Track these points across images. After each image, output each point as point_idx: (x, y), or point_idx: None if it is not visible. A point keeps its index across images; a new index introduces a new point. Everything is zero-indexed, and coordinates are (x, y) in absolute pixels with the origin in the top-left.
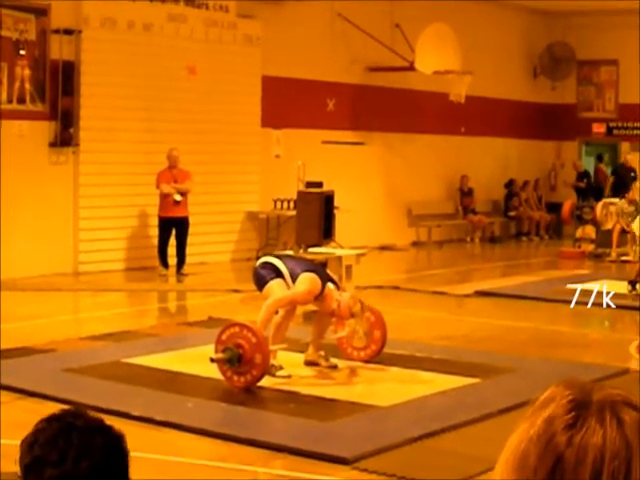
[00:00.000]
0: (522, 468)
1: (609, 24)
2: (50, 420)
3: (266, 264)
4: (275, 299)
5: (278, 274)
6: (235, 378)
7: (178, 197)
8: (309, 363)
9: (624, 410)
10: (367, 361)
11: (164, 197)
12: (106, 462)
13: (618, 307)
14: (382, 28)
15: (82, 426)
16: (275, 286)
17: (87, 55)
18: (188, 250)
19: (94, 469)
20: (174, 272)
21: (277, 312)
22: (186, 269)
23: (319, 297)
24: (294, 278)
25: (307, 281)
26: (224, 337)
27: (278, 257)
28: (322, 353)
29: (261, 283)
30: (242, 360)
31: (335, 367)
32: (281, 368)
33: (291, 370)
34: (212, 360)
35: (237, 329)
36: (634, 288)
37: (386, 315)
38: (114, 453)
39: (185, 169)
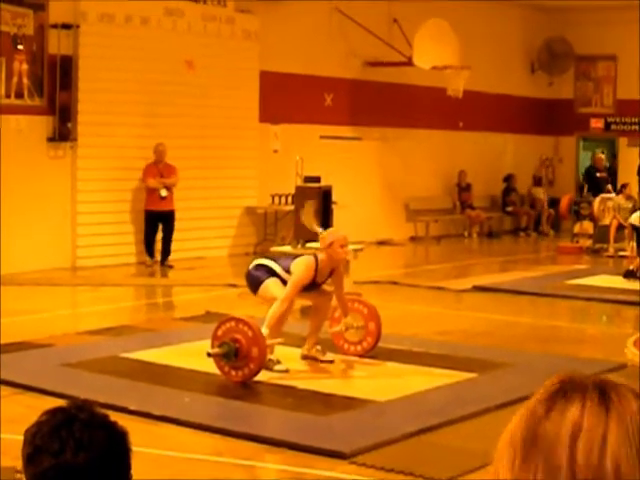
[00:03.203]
0: (510, 442)
1: (607, 19)
2: (55, 412)
3: (259, 266)
4: (281, 299)
5: (272, 274)
6: (232, 372)
7: (164, 193)
8: (306, 357)
9: (613, 388)
10: (363, 355)
11: (150, 191)
12: (106, 456)
13: (616, 302)
14: (380, 23)
15: (85, 419)
16: (271, 285)
17: (85, 50)
18: (186, 245)
19: (93, 462)
20: (165, 265)
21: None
22: (185, 263)
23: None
24: (288, 271)
25: (300, 262)
26: (220, 332)
27: (270, 258)
28: (319, 348)
29: (255, 284)
30: (239, 354)
31: (332, 362)
32: (279, 362)
33: (288, 365)
34: (209, 355)
35: (233, 323)
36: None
37: (384, 310)
38: (115, 449)
39: (171, 164)
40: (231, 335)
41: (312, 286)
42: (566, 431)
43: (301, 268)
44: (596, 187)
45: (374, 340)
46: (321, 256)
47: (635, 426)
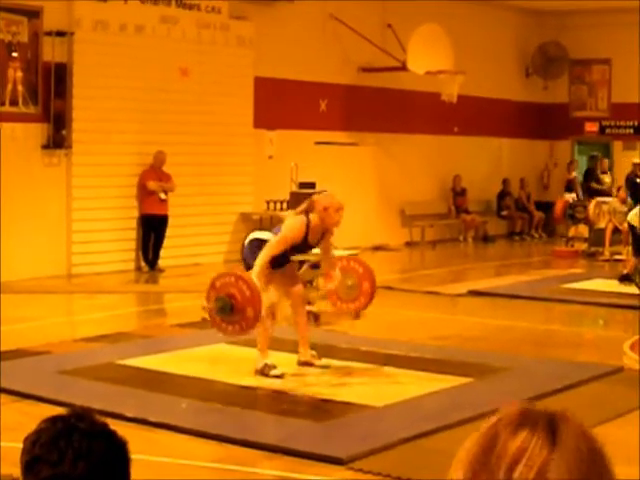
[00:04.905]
0: (462, 463)
1: (601, 23)
2: (55, 420)
3: (254, 242)
4: (269, 245)
5: None
6: (223, 325)
7: (163, 195)
8: (302, 363)
9: (565, 423)
10: (356, 313)
11: (149, 195)
12: (105, 467)
13: (611, 306)
14: (374, 28)
15: (85, 429)
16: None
17: (79, 57)
18: (181, 251)
19: (91, 472)
20: (155, 270)
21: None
22: (181, 270)
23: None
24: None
25: (291, 220)
26: (218, 284)
27: (267, 230)
28: (314, 353)
29: (248, 264)
30: (234, 309)
31: (328, 367)
32: (274, 367)
33: (284, 370)
34: (203, 308)
35: (232, 279)
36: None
37: (380, 315)
38: (114, 459)
39: (166, 171)
40: (228, 290)
41: (304, 247)
42: (507, 459)
43: (291, 223)
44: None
45: (367, 300)
46: (313, 217)
47: (579, 463)
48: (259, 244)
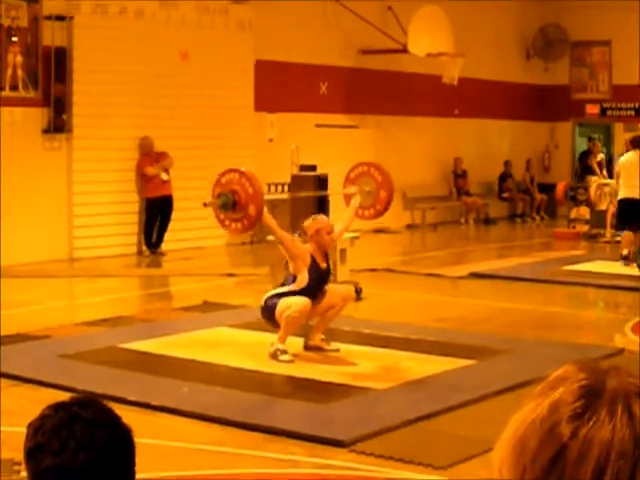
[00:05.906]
0: (521, 452)
1: (601, 5)
2: (58, 408)
3: (269, 298)
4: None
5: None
6: (227, 223)
7: (165, 176)
8: (310, 347)
9: (637, 403)
10: (371, 219)
11: (149, 179)
12: (107, 457)
13: (613, 287)
14: (374, 11)
15: (87, 417)
16: (284, 301)
17: (79, 41)
18: (183, 235)
19: (93, 463)
20: (157, 253)
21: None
22: (182, 253)
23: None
24: (294, 281)
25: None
26: (223, 180)
27: (276, 288)
28: (323, 337)
29: (271, 312)
30: (236, 206)
31: (337, 350)
32: (285, 353)
33: (293, 354)
34: (205, 205)
35: (237, 176)
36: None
37: (380, 298)
38: (117, 448)
39: (161, 151)
40: (231, 186)
41: (321, 276)
42: (593, 455)
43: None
44: None
45: (383, 207)
46: (310, 246)
47: None
48: (276, 296)
